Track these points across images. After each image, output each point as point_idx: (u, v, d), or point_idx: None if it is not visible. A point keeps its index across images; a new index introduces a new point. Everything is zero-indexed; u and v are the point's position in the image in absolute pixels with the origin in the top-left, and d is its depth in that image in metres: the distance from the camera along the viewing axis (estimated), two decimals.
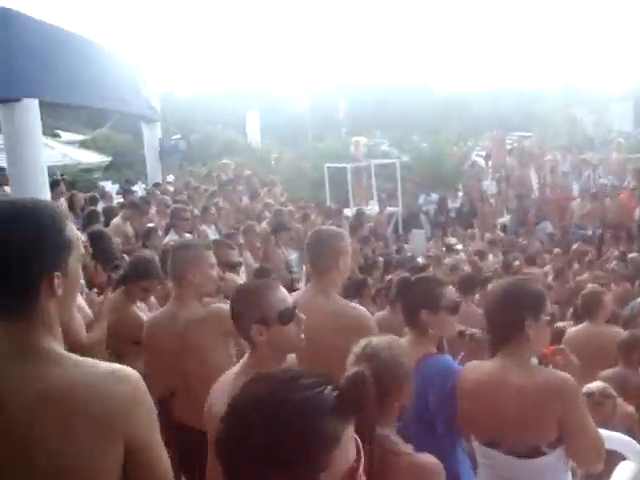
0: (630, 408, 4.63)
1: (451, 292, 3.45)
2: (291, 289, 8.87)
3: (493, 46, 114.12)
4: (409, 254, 12.41)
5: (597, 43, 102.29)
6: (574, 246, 12.48)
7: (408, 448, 2.38)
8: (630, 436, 3.82)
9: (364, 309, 3.78)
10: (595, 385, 4.45)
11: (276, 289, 2.71)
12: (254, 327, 2.61)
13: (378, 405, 2.25)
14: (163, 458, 1.85)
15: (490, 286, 7.48)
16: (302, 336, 2.70)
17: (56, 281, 1.70)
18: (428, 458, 2.33)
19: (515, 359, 2.75)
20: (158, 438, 1.85)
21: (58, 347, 1.74)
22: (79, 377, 1.69)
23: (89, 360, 1.78)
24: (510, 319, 2.76)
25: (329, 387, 1.37)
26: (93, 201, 11.40)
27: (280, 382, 1.35)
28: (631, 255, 10.76)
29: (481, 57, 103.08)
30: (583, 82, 70.11)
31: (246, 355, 2.76)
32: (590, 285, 7.68)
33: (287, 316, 2.65)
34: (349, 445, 1.36)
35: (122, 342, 4.47)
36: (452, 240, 12.37)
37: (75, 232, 1.81)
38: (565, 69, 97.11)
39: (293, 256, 10.09)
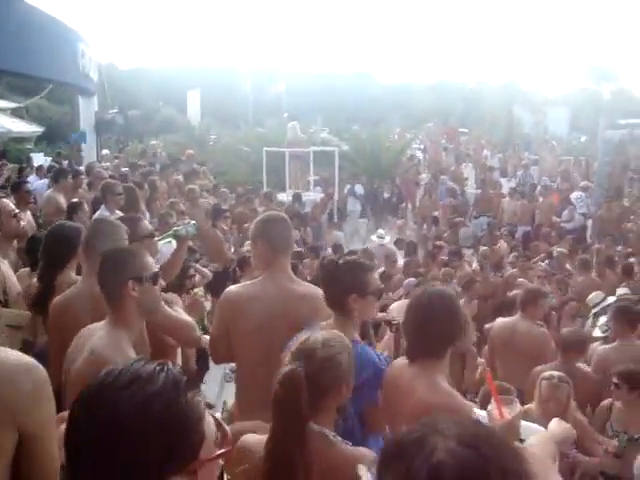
0: (581, 416, 4.82)
1: (376, 277, 3.49)
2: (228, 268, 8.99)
3: (439, 39, 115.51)
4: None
5: (540, 46, 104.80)
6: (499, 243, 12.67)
7: (343, 444, 2.32)
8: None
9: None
10: (552, 371, 4.70)
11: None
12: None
13: (313, 405, 2.22)
14: (54, 452, 1.94)
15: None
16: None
17: None
18: (363, 451, 2.31)
19: (431, 371, 2.76)
20: (53, 432, 1.94)
21: None
22: None
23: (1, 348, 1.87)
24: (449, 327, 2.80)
25: (169, 366, 1.34)
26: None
27: (126, 386, 1.28)
28: (558, 249, 11.11)
29: (427, 49, 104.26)
30: (525, 82, 72.06)
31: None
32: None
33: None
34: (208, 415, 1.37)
35: None
36: (381, 231, 12.54)
37: None
38: (507, 67, 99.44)
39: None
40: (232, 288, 3.77)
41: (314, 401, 2.22)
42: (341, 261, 3.37)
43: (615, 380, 4.91)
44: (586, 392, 5.10)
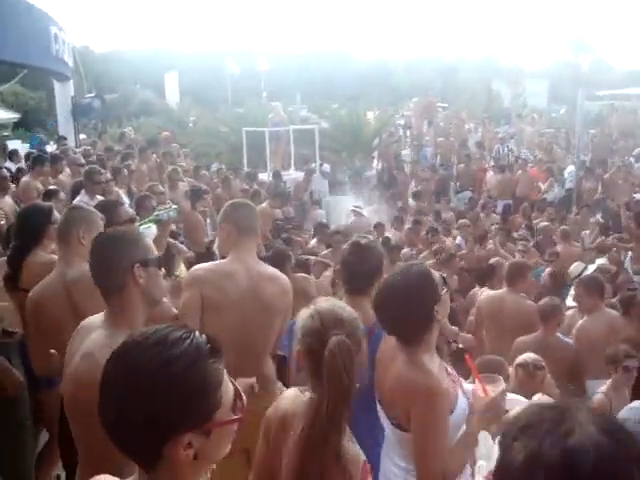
0: (556, 390, 4.85)
1: None
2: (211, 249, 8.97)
3: (417, 14, 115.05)
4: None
5: (518, 19, 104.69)
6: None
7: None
8: None
9: None
10: (528, 356, 4.63)
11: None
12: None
13: None
14: None
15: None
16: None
17: None
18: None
19: (413, 348, 2.67)
20: None
21: None
22: None
23: None
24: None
25: (195, 334, 1.44)
26: None
27: (152, 346, 1.40)
28: (542, 224, 11.14)
29: (404, 25, 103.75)
30: (503, 56, 72.17)
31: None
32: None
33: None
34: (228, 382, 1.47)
35: None
36: (357, 203, 12.61)
37: None
38: (486, 41, 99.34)
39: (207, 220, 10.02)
40: (201, 266, 3.71)
41: None
42: (365, 242, 3.47)
43: None
44: (567, 363, 5.12)
